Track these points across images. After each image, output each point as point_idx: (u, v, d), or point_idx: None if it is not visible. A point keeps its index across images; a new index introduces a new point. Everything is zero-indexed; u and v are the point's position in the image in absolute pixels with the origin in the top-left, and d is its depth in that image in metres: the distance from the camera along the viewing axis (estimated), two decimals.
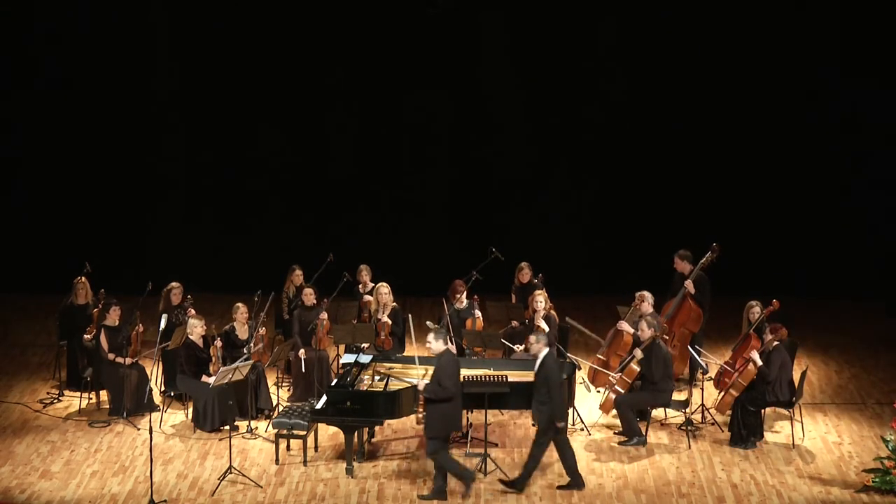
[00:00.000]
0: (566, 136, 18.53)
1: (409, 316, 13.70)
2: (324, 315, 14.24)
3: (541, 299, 14.16)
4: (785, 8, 17.85)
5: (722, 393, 13.36)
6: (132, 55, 18.34)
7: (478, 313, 14.61)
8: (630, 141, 18.47)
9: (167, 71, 18.45)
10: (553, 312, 14.30)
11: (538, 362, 11.94)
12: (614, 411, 13.42)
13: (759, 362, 12.93)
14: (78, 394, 14.32)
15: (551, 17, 18.18)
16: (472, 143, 18.67)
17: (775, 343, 13.01)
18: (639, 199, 18.52)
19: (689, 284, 14.53)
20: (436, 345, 11.94)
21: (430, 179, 18.74)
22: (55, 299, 15.55)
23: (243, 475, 12.30)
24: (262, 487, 12.17)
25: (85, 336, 14.35)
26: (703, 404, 13.61)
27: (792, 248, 18.28)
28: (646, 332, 13.18)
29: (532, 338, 12.09)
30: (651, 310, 13.93)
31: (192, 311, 14.32)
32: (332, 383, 13.02)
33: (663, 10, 17.96)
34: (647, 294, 13.98)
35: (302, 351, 14.12)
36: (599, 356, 14.14)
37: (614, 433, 13.41)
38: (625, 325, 13.93)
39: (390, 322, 14.50)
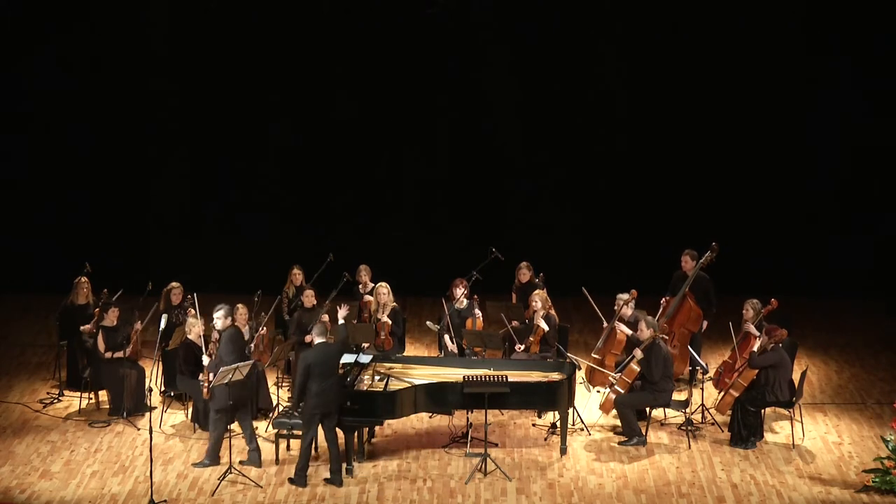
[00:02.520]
0: (567, 137, 18.52)
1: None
2: (325, 317, 14.20)
3: (538, 299, 14.15)
4: (783, 8, 17.83)
5: (722, 393, 13.35)
6: (132, 55, 18.34)
7: (478, 313, 14.62)
8: (630, 141, 18.46)
9: (167, 70, 18.44)
10: (553, 312, 14.30)
11: None
12: (614, 411, 13.44)
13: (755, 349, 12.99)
14: (78, 394, 14.33)
15: (551, 19, 18.17)
16: (472, 143, 18.66)
17: (772, 345, 13.01)
18: (639, 199, 18.50)
19: (689, 295, 14.56)
20: (221, 322, 12.80)
21: (431, 179, 18.74)
22: (55, 299, 15.56)
23: (243, 475, 12.30)
24: (262, 487, 12.17)
25: (84, 327, 14.32)
26: (703, 404, 13.61)
27: (792, 248, 18.27)
28: (645, 332, 13.17)
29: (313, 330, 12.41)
30: (631, 312, 13.89)
31: (193, 311, 14.33)
32: None
33: (664, 10, 17.95)
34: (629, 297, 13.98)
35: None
36: (595, 356, 14.11)
37: (614, 433, 13.41)
38: (620, 325, 13.91)
39: (390, 322, 14.50)
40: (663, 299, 14.66)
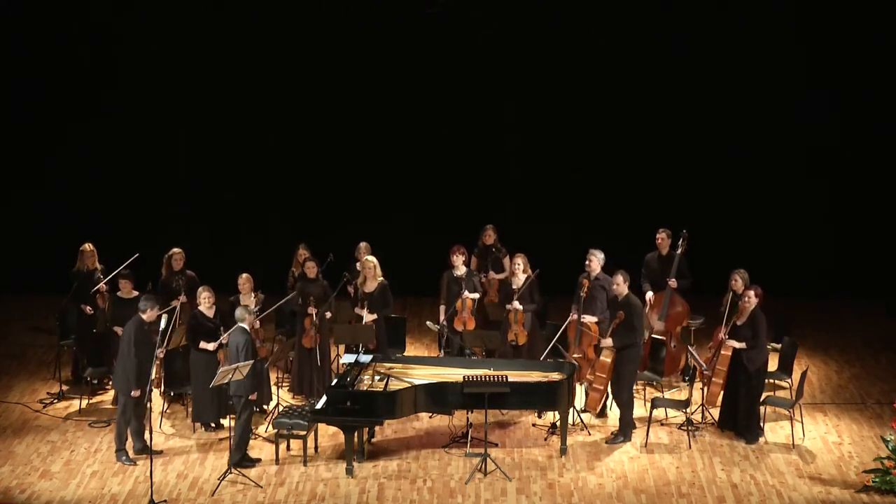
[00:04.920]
0: (566, 136, 18.52)
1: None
2: (312, 309, 14.12)
3: (520, 260, 14.30)
4: (771, 5, 17.84)
5: (706, 386, 13.33)
6: (135, 57, 18.36)
7: (466, 294, 14.56)
8: (631, 139, 18.45)
9: (166, 69, 18.44)
10: (530, 272, 14.33)
11: None
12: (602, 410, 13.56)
13: (738, 345, 12.93)
14: (78, 394, 14.35)
15: (547, 20, 18.16)
16: (472, 144, 18.66)
17: (753, 305, 12.98)
18: (637, 198, 18.48)
19: (672, 282, 14.57)
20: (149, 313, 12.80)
21: (431, 179, 18.74)
22: (55, 299, 15.58)
23: (243, 475, 12.31)
24: (262, 487, 12.18)
25: (87, 307, 14.57)
26: (703, 404, 13.61)
27: (791, 248, 18.26)
28: (621, 286, 13.19)
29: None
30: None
31: (184, 299, 14.42)
32: (333, 383, 13.04)
33: (663, 11, 17.95)
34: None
35: (310, 308, 14.11)
36: (576, 355, 13.91)
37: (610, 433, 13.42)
38: (588, 318, 13.87)
39: (374, 317, 14.36)
40: (649, 296, 14.64)
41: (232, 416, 13.09)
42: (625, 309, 13.09)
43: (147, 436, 12.60)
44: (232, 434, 12.48)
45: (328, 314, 14.19)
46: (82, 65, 18.46)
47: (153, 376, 12.81)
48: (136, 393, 12.64)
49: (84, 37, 18.36)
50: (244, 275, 14.19)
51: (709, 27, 17.88)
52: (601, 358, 13.22)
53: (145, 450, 12.66)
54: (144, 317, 12.79)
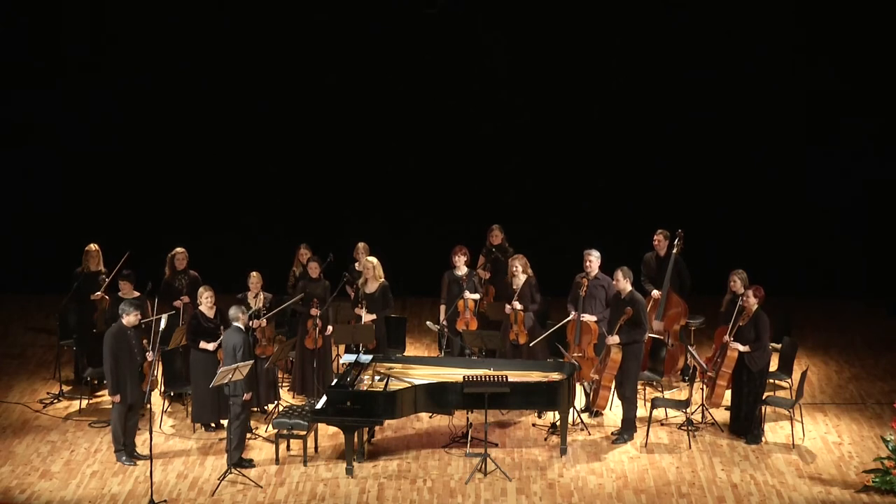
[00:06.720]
0: (567, 136, 18.52)
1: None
2: (315, 311, 14.13)
3: (518, 264, 14.27)
4: (772, 5, 17.85)
5: (709, 387, 13.32)
6: (132, 57, 18.37)
7: (467, 294, 14.58)
8: (632, 141, 18.45)
9: (165, 69, 18.44)
10: (531, 272, 14.32)
11: None
12: (607, 409, 13.56)
13: (743, 348, 12.94)
14: (78, 394, 14.35)
15: (547, 20, 18.17)
16: (473, 144, 18.66)
17: (756, 306, 12.99)
18: (635, 195, 18.48)
19: (671, 289, 14.61)
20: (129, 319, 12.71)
21: (431, 179, 18.74)
22: (55, 299, 15.58)
23: (243, 475, 12.31)
24: (262, 487, 12.18)
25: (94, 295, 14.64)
26: (703, 404, 13.61)
27: (791, 248, 18.27)
28: (621, 283, 13.21)
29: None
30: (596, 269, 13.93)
31: (187, 299, 14.41)
32: (333, 383, 13.04)
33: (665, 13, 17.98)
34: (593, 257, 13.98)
35: (313, 310, 14.10)
36: (577, 355, 13.87)
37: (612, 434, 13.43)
38: (588, 316, 13.86)
39: (373, 317, 14.37)
40: (653, 293, 14.65)
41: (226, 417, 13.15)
42: (632, 305, 13.10)
43: (147, 436, 12.61)
44: (231, 435, 12.48)
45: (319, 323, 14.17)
46: (80, 62, 18.48)
47: (151, 377, 12.81)
48: (116, 398, 12.64)
49: (84, 35, 18.40)
50: (255, 273, 14.19)
51: (708, 26, 17.88)
52: (612, 356, 13.19)
53: (134, 453, 12.72)
54: (124, 321, 12.72)
